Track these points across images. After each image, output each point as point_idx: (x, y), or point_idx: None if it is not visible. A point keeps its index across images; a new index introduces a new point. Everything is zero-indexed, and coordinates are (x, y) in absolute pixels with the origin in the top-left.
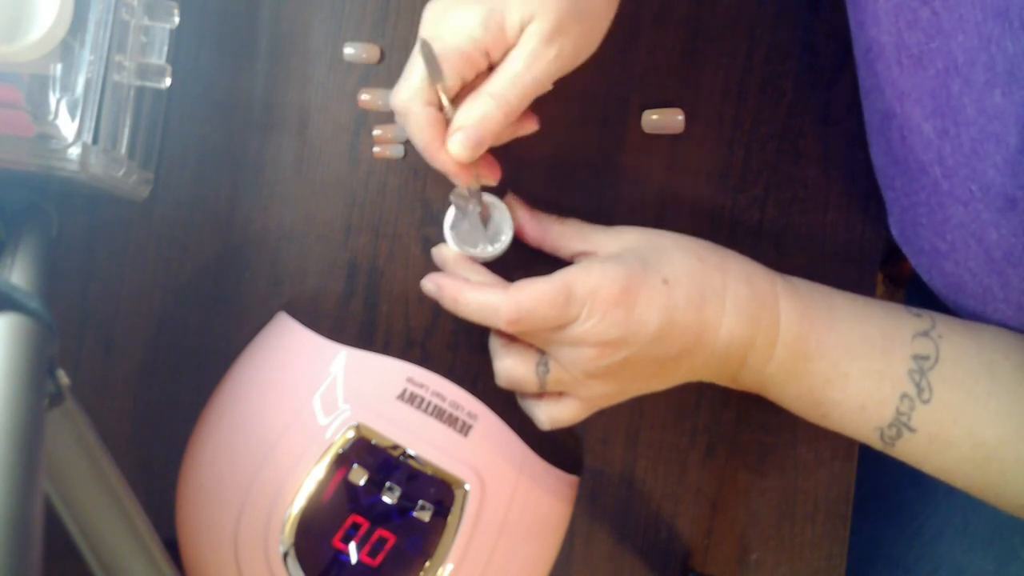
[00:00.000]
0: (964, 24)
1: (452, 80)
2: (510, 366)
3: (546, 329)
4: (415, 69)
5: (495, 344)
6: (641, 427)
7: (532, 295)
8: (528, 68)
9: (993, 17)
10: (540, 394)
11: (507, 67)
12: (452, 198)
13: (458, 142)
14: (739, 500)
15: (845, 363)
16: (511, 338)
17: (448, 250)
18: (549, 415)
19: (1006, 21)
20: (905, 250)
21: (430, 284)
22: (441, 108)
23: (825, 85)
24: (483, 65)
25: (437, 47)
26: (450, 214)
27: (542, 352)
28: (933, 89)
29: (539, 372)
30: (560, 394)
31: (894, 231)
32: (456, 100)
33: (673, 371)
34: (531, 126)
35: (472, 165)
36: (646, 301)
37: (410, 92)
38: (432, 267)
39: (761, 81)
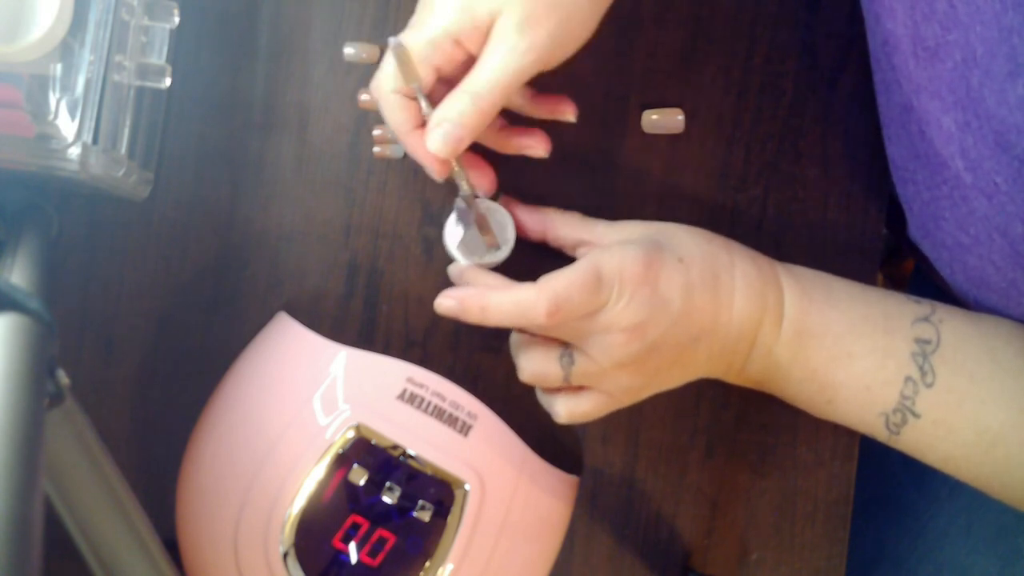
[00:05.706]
0: (982, 15)
1: (425, 72)
2: (534, 360)
3: (579, 317)
4: (389, 59)
5: (517, 341)
6: (641, 427)
7: (565, 282)
8: (503, 63)
9: (1013, 8)
10: (559, 388)
11: (482, 63)
12: (456, 203)
13: (436, 139)
14: (739, 500)
15: (849, 341)
16: (532, 335)
17: (460, 264)
18: (567, 408)
19: None
20: (925, 244)
21: (448, 300)
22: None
23: (825, 85)
24: (459, 56)
25: (411, 37)
26: (451, 229)
27: (565, 345)
28: (951, 82)
29: (563, 363)
30: (580, 388)
31: (912, 226)
32: (435, 95)
33: (691, 359)
34: (540, 150)
35: (448, 159)
36: (667, 279)
37: (379, 80)
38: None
39: (761, 81)
